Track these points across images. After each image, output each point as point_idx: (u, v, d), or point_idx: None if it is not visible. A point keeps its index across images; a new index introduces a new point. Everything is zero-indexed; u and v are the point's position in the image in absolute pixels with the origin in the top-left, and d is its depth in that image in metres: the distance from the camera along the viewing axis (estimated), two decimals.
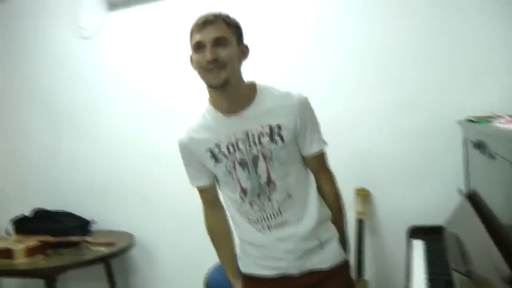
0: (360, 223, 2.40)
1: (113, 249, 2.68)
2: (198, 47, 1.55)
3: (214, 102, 1.66)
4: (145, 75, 2.96)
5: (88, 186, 3.17)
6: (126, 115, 3.03)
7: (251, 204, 1.67)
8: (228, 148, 1.64)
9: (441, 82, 2.30)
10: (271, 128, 1.61)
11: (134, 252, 3.03)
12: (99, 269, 2.86)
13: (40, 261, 2.56)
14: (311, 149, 1.69)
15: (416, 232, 2.11)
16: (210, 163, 1.68)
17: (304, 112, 1.65)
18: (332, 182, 1.78)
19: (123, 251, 2.79)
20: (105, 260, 2.75)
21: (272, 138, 1.61)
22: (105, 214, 3.11)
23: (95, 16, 3.02)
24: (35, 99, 3.29)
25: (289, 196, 1.65)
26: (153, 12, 2.88)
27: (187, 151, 1.72)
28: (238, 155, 1.64)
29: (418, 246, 1.98)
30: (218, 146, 1.65)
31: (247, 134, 1.62)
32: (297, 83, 2.49)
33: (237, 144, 1.63)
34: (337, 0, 2.49)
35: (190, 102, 2.47)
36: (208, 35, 1.53)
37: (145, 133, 2.96)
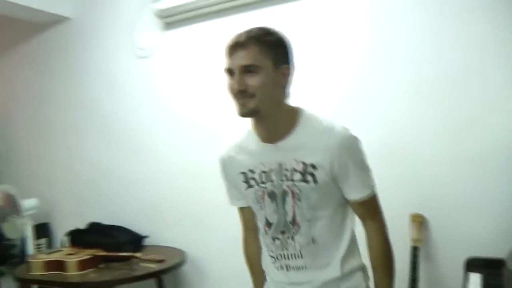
0: (415, 251, 2.28)
1: (165, 265, 2.68)
2: (228, 73, 1.48)
3: (254, 127, 1.57)
4: (201, 94, 2.97)
5: (142, 202, 3.21)
6: (183, 136, 3.04)
7: (273, 239, 1.58)
8: (261, 176, 1.55)
9: (504, 105, 2.17)
10: (304, 166, 1.48)
11: (186, 269, 3.02)
12: (151, 284, 2.88)
13: (91, 275, 2.60)
14: (353, 195, 1.53)
15: (473, 264, 1.99)
16: (242, 186, 1.61)
17: (346, 152, 1.47)
18: (381, 233, 1.58)
19: (175, 267, 2.79)
20: (156, 275, 2.76)
21: (304, 177, 1.48)
22: (159, 230, 3.13)
23: (151, 36, 3.07)
24: (94, 118, 3.37)
25: (313, 241, 1.53)
26: (209, 30, 2.90)
27: (226, 169, 1.67)
28: (269, 185, 1.54)
29: (475, 280, 1.87)
30: (252, 171, 1.57)
31: (280, 166, 1.51)
32: (352, 103, 2.49)
33: (270, 174, 1.53)
34: (390, 23, 2.41)
35: (246, 124, 2.47)
36: (237, 61, 1.43)
37: (201, 155, 2.96)
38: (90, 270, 2.65)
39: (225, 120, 2.81)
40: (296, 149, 1.49)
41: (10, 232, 3.22)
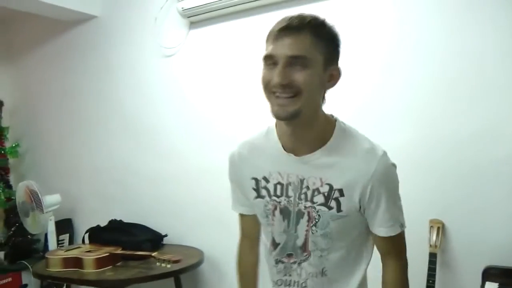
0: (432, 257, 2.21)
1: (181, 265, 2.66)
2: (268, 61, 1.20)
3: (279, 130, 1.33)
4: (224, 93, 2.94)
5: (163, 201, 3.20)
6: (205, 136, 3.02)
7: (276, 261, 1.38)
8: (275, 188, 1.33)
9: None
10: (330, 189, 1.26)
11: (204, 268, 3.00)
12: (169, 283, 2.86)
13: (108, 273, 2.59)
14: (380, 231, 1.32)
15: (491, 273, 1.94)
16: (251, 194, 1.38)
17: (383, 182, 1.26)
18: (402, 273, 1.38)
19: (192, 267, 2.77)
20: (173, 275, 2.74)
21: (327, 202, 1.27)
22: (178, 230, 3.12)
23: (176, 35, 3.07)
24: (119, 116, 3.39)
25: (323, 274, 1.33)
26: (233, 30, 2.87)
27: (235, 168, 1.44)
28: (283, 200, 1.32)
29: None
30: (266, 180, 1.35)
31: (301, 182, 1.29)
32: (372, 107, 2.44)
33: (287, 188, 1.31)
34: (412, 29, 2.34)
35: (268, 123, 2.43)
36: (284, 49, 1.15)
37: (222, 155, 2.91)
38: (107, 268, 2.64)
39: (248, 121, 2.78)
40: (324, 167, 1.26)
41: (33, 227, 3.26)
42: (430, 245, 2.22)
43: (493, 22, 2.14)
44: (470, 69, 2.20)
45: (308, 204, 1.29)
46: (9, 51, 4.02)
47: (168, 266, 2.60)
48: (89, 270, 2.60)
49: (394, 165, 1.30)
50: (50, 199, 3.23)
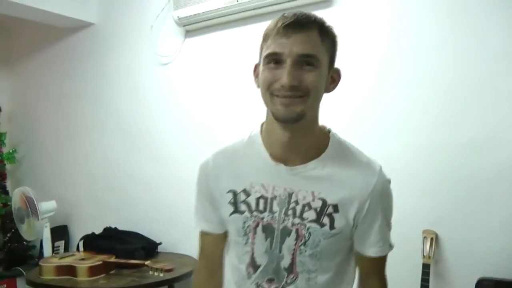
0: (425, 268, 2.20)
1: (175, 273, 2.65)
2: (272, 60, 1.09)
3: (267, 136, 1.22)
4: (219, 100, 2.95)
5: (158, 208, 3.20)
6: (200, 143, 3.02)
7: (257, 286, 1.22)
8: (257, 202, 1.19)
9: None
10: (324, 204, 1.15)
11: None
12: None
13: (101, 281, 2.59)
14: (370, 252, 1.23)
15: (485, 284, 1.95)
16: (226, 209, 1.23)
17: (380, 200, 1.18)
18: None
19: (185, 276, 2.76)
20: (167, 283, 2.73)
21: (319, 218, 1.15)
22: (173, 237, 3.11)
23: (171, 43, 3.08)
24: (115, 122, 3.40)
25: None
26: (228, 39, 2.89)
27: (207, 179, 1.29)
28: (267, 216, 1.18)
29: None
30: (246, 192, 1.21)
31: (289, 196, 1.17)
32: (367, 115, 2.43)
33: (271, 202, 1.18)
34: (407, 32, 2.33)
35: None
36: (293, 47, 1.06)
37: None
38: (100, 276, 2.64)
39: (242, 128, 2.75)
40: (318, 180, 1.16)
41: (28, 234, 3.26)
42: (424, 256, 2.21)
43: (490, 22, 2.12)
44: (467, 74, 2.19)
45: (297, 220, 1.16)
46: (7, 57, 4.04)
47: (161, 275, 2.60)
48: (83, 278, 2.59)
49: (390, 181, 1.23)
50: (46, 206, 3.23)
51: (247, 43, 2.77)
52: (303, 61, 1.07)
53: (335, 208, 1.15)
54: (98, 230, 3.15)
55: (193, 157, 2.98)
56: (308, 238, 1.16)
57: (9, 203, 3.63)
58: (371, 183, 1.16)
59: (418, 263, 2.19)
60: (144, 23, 3.17)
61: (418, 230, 2.25)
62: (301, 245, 1.16)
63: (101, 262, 2.69)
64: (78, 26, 3.52)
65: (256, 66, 1.18)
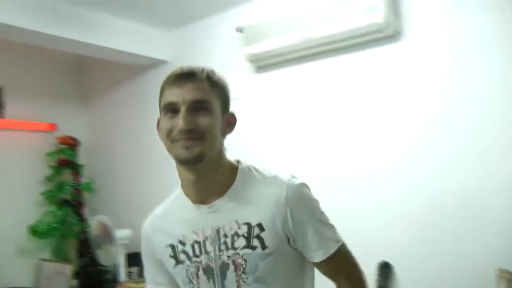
0: None
1: None
2: (169, 109, 1.18)
3: (183, 184, 1.29)
4: (287, 137, 3.03)
5: None
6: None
7: None
8: (193, 248, 1.24)
9: None
10: (249, 228, 1.18)
11: None
12: None
13: None
14: (317, 257, 1.22)
15: None
16: (169, 263, 1.28)
17: (298, 206, 1.20)
18: None
19: None
20: None
21: (249, 242, 1.18)
22: None
23: (243, 79, 3.22)
24: None
25: None
26: (298, 75, 2.98)
27: (148, 243, 1.35)
28: (204, 259, 1.23)
29: None
30: (182, 243, 1.26)
31: (218, 233, 1.21)
32: (422, 152, 2.50)
33: (204, 244, 1.23)
34: (473, 66, 2.38)
35: (343, 167, 2.53)
36: (185, 95, 1.16)
37: None
38: None
39: (313, 164, 2.89)
40: (236, 208, 1.21)
41: (104, 259, 3.44)
42: None
43: None
44: None
45: (231, 252, 1.19)
46: (85, 94, 4.32)
47: None
48: None
49: (304, 184, 1.25)
50: (121, 233, 3.41)
51: (318, 79, 2.90)
52: (196, 106, 1.16)
53: (261, 227, 1.18)
54: None
55: None
56: (246, 265, 1.18)
57: (85, 230, 3.84)
58: (282, 194, 1.18)
59: None
60: (216, 60, 3.30)
61: (490, 268, 2.19)
62: (241, 274, 1.19)
63: None
64: (151, 64, 3.73)
65: (158, 121, 1.26)
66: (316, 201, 1.25)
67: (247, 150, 3.16)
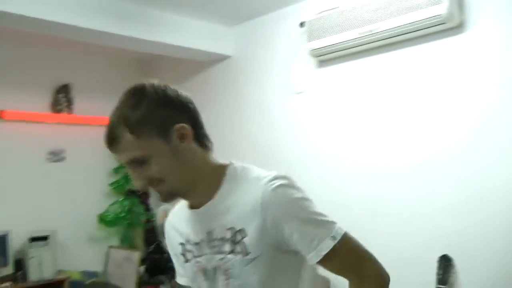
0: None
1: None
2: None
3: None
4: (348, 130, 3.05)
5: None
6: (332, 171, 3.10)
7: None
8: (194, 248, 1.26)
9: None
10: (233, 233, 1.16)
11: None
12: None
13: None
14: (312, 259, 1.14)
15: None
16: (181, 259, 1.31)
17: (275, 209, 1.13)
18: None
19: None
20: None
21: (233, 248, 1.16)
22: None
23: (305, 73, 3.25)
24: (254, 150, 3.49)
25: None
26: (360, 68, 3.00)
27: (167, 237, 1.39)
28: (203, 260, 1.23)
29: None
30: (188, 242, 1.28)
31: (209, 236, 1.21)
32: (483, 142, 2.47)
33: (201, 246, 1.24)
34: None
35: (403, 159, 2.55)
36: (120, 159, 1.16)
37: (350, 190, 3.01)
38: None
39: (376, 157, 2.90)
40: (224, 213, 1.18)
41: None
42: None
43: None
44: None
45: (220, 256, 1.18)
46: None
47: None
48: None
49: (284, 185, 1.16)
50: None
51: (380, 72, 2.90)
52: (135, 162, 1.13)
53: (243, 232, 1.15)
54: None
55: (328, 184, 3.12)
56: (231, 271, 1.17)
57: (151, 219, 4.00)
58: (258, 198, 1.13)
59: None
60: (279, 55, 3.40)
61: None
62: (228, 279, 1.18)
63: None
64: (216, 59, 3.84)
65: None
66: (299, 200, 1.16)
67: (310, 143, 3.26)
